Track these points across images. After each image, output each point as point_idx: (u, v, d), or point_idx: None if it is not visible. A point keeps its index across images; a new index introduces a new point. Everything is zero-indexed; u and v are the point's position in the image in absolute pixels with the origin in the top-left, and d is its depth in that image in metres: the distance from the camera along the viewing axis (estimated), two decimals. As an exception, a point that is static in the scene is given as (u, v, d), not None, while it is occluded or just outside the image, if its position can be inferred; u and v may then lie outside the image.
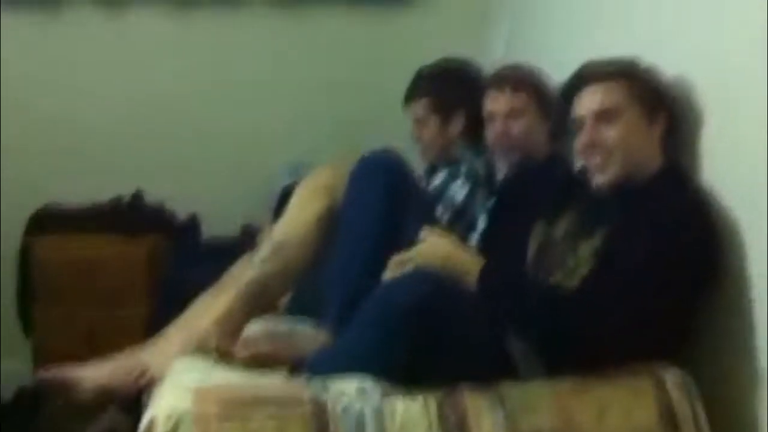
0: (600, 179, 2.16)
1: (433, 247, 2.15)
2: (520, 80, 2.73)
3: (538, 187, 2.51)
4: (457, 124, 2.93)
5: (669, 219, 1.99)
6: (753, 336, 1.94)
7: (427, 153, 3.02)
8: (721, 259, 2.02)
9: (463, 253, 2.15)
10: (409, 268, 2.09)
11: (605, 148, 2.13)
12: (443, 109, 2.95)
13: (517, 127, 2.70)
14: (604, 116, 2.13)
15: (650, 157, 2.15)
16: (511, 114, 2.70)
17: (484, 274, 2.07)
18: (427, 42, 3.39)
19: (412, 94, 3.02)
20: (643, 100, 2.13)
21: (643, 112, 2.13)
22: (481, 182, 2.80)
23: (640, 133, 2.13)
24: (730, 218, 2.01)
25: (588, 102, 2.16)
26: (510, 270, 2.21)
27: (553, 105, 2.61)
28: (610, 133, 2.12)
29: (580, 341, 1.94)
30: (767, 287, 1.90)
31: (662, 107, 2.15)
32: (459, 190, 2.78)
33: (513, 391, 1.95)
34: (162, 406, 1.90)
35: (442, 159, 2.96)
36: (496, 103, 2.72)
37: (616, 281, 1.96)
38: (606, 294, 1.96)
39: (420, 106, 2.99)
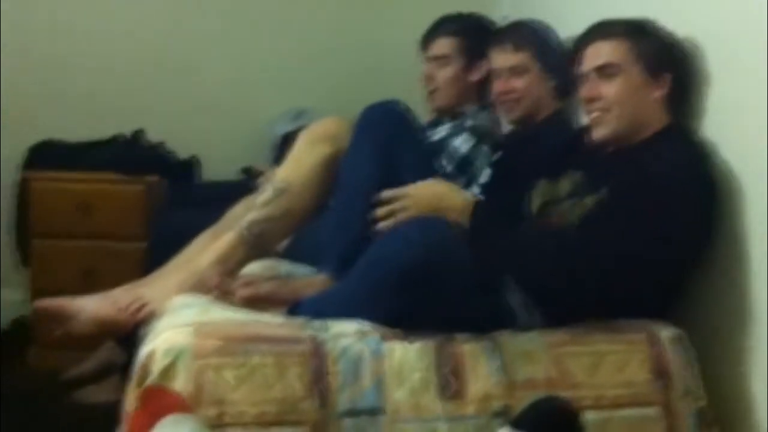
0: (597, 133, 2.20)
1: (423, 190, 2.14)
2: (523, 38, 2.71)
3: (541, 145, 2.53)
4: (477, 73, 2.87)
5: (669, 174, 2.00)
6: (749, 295, 1.96)
7: (438, 97, 2.94)
8: (719, 215, 2.04)
9: (454, 192, 2.14)
10: (401, 215, 2.09)
11: (604, 103, 2.17)
12: (469, 53, 2.89)
13: (519, 85, 2.70)
14: (604, 72, 2.17)
15: (651, 116, 2.16)
16: (514, 71, 2.70)
17: (478, 210, 2.08)
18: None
19: (438, 31, 2.94)
20: (646, 60, 2.15)
21: (645, 72, 2.15)
22: (486, 137, 2.81)
23: (640, 92, 2.15)
24: (732, 177, 2.02)
25: (591, 58, 2.21)
26: (503, 209, 2.24)
27: (557, 63, 2.62)
28: (610, 90, 2.16)
29: (569, 283, 1.97)
30: (766, 246, 1.91)
31: (667, 69, 2.16)
32: (463, 143, 2.77)
33: (510, 340, 1.97)
34: (161, 339, 1.88)
35: (451, 106, 2.92)
36: (498, 60, 2.72)
37: (613, 226, 1.98)
38: (600, 237, 1.97)
39: (445, 44, 2.92)
